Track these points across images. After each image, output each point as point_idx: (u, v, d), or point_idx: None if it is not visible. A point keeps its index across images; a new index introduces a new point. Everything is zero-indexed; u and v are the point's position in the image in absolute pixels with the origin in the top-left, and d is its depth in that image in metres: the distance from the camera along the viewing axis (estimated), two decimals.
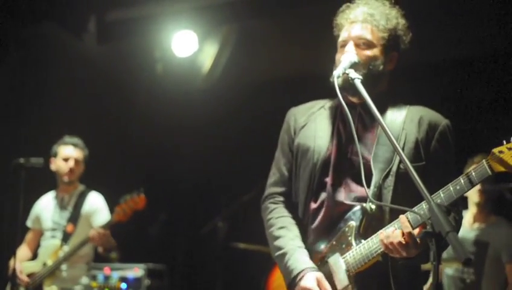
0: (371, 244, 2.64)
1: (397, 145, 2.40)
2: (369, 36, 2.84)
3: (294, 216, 2.98)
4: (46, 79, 6.66)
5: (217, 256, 6.38)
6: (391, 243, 2.49)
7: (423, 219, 2.41)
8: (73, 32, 6.98)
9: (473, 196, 5.01)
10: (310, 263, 2.82)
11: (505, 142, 2.35)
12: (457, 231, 2.73)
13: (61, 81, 6.72)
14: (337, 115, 2.97)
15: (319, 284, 2.72)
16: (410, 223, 2.47)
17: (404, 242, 2.46)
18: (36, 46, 6.60)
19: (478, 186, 4.98)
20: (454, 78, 6.31)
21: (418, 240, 2.46)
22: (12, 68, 6.51)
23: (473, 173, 2.42)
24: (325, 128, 2.96)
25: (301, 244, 2.90)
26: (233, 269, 6.75)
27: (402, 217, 2.49)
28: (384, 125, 2.46)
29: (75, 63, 6.80)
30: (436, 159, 2.78)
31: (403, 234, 2.46)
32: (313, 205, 2.88)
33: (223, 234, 6.25)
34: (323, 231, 2.85)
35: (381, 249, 2.59)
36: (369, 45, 2.84)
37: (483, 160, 2.39)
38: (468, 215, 5.05)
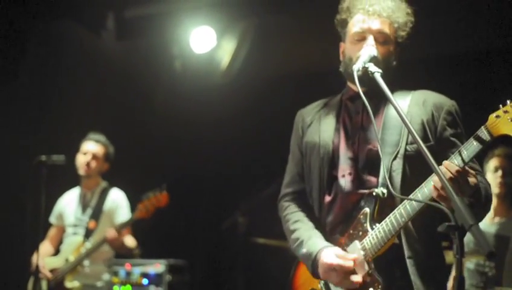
0: (385, 227, 2.67)
1: (408, 123, 2.40)
2: (389, 32, 2.88)
3: (308, 212, 3.04)
4: (66, 76, 6.71)
5: (238, 251, 6.39)
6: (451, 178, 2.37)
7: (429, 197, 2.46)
8: (91, 30, 7.02)
9: (494, 188, 4.97)
10: (327, 243, 2.87)
11: (501, 106, 2.36)
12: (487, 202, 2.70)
13: (80, 78, 6.76)
14: (341, 109, 3.03)
15: (338, 257, 2.76)
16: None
17: (460, 169, 2.39)
18: (55, 43, 6.65)
19: (499, 179, 4.95)
20: (468, 71, 6.28)
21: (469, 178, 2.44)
22: (32, 65, 6.56)
23: (473, 141, 2.43)
24: (329, 122, 3.02)
25: (317, 232, 2.95)
26: (253, 264, 6.76)
27: (445, 163, 2.43)
28: (397, 107, 2.47)
29: (94, 60, 6.85)
30: (445, 137, 2.81)
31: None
32: (327, 199, 2.93)
33: (243, 229, 6.25)
34: (340, 222, 2.89)
35: (396, 230, 2.62)
36: (387, 40, 2.88)
37: (482, 126, 2.39)
38: None
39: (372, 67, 2.70)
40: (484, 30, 6.13)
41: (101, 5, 6.81)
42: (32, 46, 6.57)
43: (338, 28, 3.04)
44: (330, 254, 2.78)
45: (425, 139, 2.75)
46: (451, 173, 2.39)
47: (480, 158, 4.69)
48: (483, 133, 2.40)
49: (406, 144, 2.76)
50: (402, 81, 3.00)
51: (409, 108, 2.85)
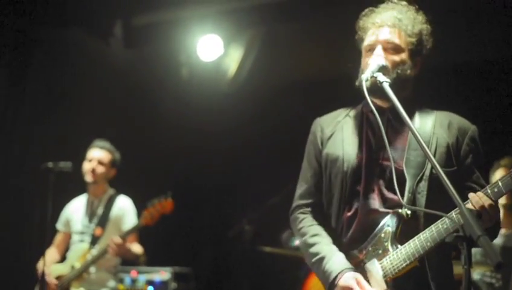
0: (409, 249, 2.63)
1: (427, 150, 2.39)
2: (397, 40, 2.85)
3: (325, 226, 2.98)
4: (73, 83, 6.73)
5: (243, 259, 6.39)
6: (482, 207, 2.44)
7: (458, 225, 2.38)
8: (99, 37, 7.05)
9: (500, 199, 4.94)
10: (348, 264, 2.81)
11: None
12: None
13: (88, 85, 6.78)
14: (363, 122, 2.97)
15: (358, 284, 2.71)
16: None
17: (493, 204, 2.45)
18: (63, 50, 6.66)
19: None
20: (478, 80, 6.27)
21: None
22: (39, 72, 6.58)
23: (500, 183, 2.44)
24: (353, 135, 2.95)
25: (336, 249, 2.89)
26: (259, 273, 6.76)
27: (479, 194, 2.48)
28: (414, 129, 2.45)
29: (102, 67, 6.87)
30: (467, 164, 2.79)
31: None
32: (347, 214, 2.87)
33: (250, 238, 6.25)
34: (358, 238, 2.83)
35: (420, 254, 2.59)
36: (397, 49, 2.84)
37: (510, 171, 2.38)
38: None
39: (381, 77, 2.67)
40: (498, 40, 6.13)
41: (109, 12, 6.83)
42: (40, 53, 6.59)
43: (358, 46, 3.01)
44: (351, 278, 2.73)
45: (449, 164, 2.74)
46: (485, 205, 2.42)
47: (486, 168, 4.70)
48: (509, 179, 2.40)
49: (432, 167, 2.70)
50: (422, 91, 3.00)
51: (435, 129, 2.82)
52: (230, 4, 6.86)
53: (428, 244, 2.57)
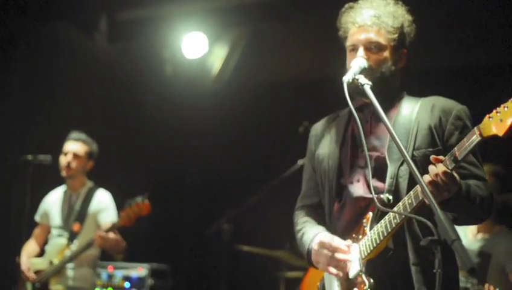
0: (380, 229, 2.67)
1: (397, 139, 2.45)
2: (378, 39, 2.88)
3: (318, 219, 3.09)
4: (57, 77, 6.69)
5: (221, 258, 6.39)
6: (436, 175, 2.43)
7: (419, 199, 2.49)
8: (84, 31, 7.02)
9: None
10: (324, 230, 2.94)
11: (497, 108, 2.34)
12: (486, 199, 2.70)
13: (71, 79, 6.75)
14: (351, 118, 3.03)
15: (332, 239, 2.80)
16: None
17: (448, 171, 2.42)
18: (47, 44, 6.63)
19: None
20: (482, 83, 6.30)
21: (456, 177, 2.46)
22: (22, 66, 6.53)
23: (465, 140, 2.41)
24: (340, 132, 3.04)
25: (320, 227, 3.01)
26: (237, 271, 6.76)
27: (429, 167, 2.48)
28: (387, 123, 2.51)
29: (86, 62, 6.84)
30: (452, 142, 2.76)
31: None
32: (336, 206, 2.95)
33: (228, 236, 6.25)
34: (349, 227, 2.89)
35: (388, 231, 2.62)
36: (379, 47, 2.87)
37: (475, 127, 2.38)
38: (473, 226, 5.01)
39: (362, 80, 2.71)
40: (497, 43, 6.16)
41: (94, 6, 6.81)
42: (23, 46, 6.55)
43: (342, 43, 3.04)
44: (324, 235, 2.86)
45: (432, 144, 2.77)
46: (439, 173, 2.42)
47: None
48: (475, 133, 2.36)
49: (413, 149, 2.75)
50: (416, 90, 3.01)
51: (418, 114, 2.85)
52: (216, 2, 6.87)
53: (395, 221, 2.60)
